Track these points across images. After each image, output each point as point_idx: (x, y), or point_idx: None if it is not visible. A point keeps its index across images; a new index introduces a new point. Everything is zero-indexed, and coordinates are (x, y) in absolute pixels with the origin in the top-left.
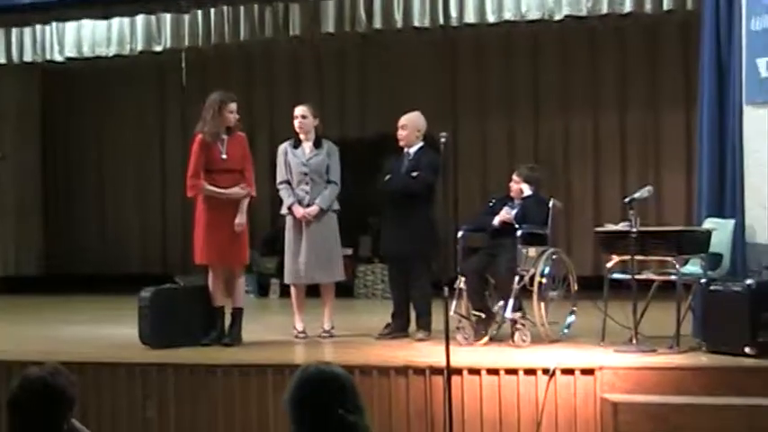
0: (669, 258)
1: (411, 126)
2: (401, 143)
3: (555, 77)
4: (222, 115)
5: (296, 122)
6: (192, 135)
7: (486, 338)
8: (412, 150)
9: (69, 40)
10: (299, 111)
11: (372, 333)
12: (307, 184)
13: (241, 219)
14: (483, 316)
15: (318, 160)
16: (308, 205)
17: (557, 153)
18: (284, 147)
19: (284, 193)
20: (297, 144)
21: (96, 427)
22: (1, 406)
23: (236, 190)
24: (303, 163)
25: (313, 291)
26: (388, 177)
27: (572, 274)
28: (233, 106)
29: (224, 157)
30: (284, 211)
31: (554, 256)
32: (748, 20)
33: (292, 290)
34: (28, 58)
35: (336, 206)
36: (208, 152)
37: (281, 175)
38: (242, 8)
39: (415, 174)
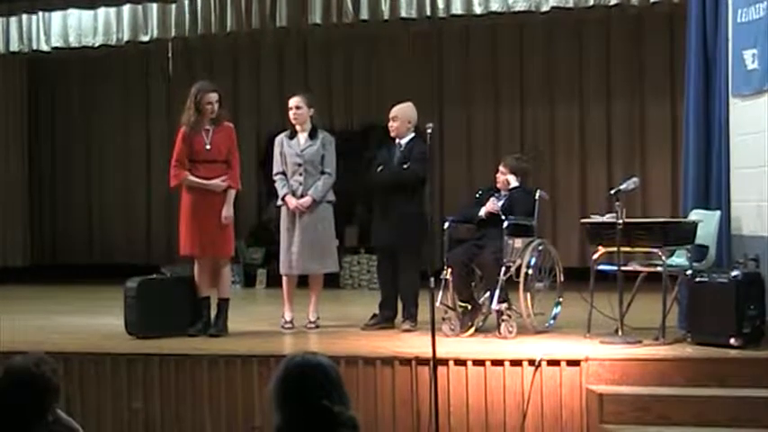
0: (655, 250)
1: (402, 117)
2: (392, 134)
3: (541, 68)
4: (200, 106)
5: (291, 114)
6: (177, 125)
7: (471, 330)
8: (403, 141)
9: (55, 29)
10: (294, 102)
11: (358, 323)
12: (300, 174)
13: (228, 211)
14: (469, 307)
15: (312, 151)
16: (302, 196)
17: (542, 144)
18: (280, 138)
19: (279, 184)
20: (292, 135)
21: (81, 418)
22: None
23: (216, 182)
24: (297, 153)
25: (302, 281)
26: (380, 168)
27: (558, 265)
28: (211, 97)
29: (208, 147)
30: (279, 202)
31: (540, 248)
32: (735, 11)
33: (284, 280)
34: (14, 47)
35: (332, 197)
36: (192, 143)
37: (276, 166)
38: None
39: (406, 165)
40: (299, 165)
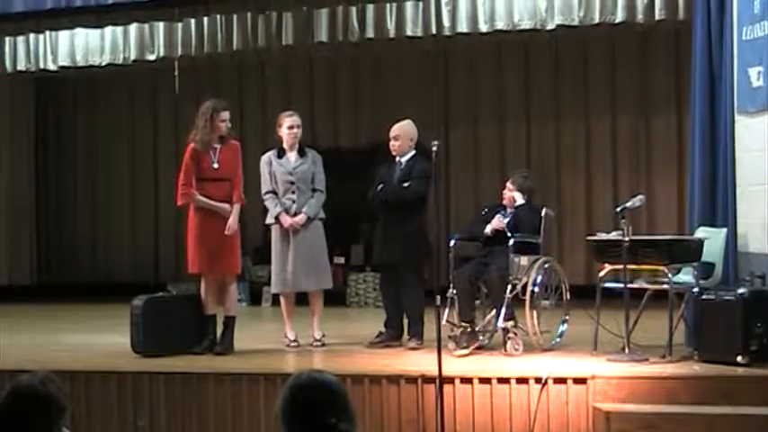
0: (661, 267)
1: (404, 135)
2: (394, 153)
3: (546, 86)
4: (214, 123)
5: (291, 132)
6: (184, 143)
7: (465, 351)
8: (404, 159)
9: (63, 48)
10: (295, 121)
11: (364, 342)
12: (293, 192)
13: (233, 223)
14: (468, 329)
15: (304, 169)
16: (296, 214)
17: (548, 162)
18: (268, 156)
19: (270, 202)
20: (281, 153)
21: None
22: None
23: (225, 206)
24: (289, 172)
25: (304, 299)
26: (380, 187)
27: (564, 282)
28: (225, 114)
29: (215, 166)
30: (270, 220)
31: (546, 265)
32: (740, 29)
33: (281, 299)
34: (21, 66)
35: (322, 214)
36: (199, 161)
37: (266, 185)
38: (235, 17)
39: (406, 184)
40: (292, 183)
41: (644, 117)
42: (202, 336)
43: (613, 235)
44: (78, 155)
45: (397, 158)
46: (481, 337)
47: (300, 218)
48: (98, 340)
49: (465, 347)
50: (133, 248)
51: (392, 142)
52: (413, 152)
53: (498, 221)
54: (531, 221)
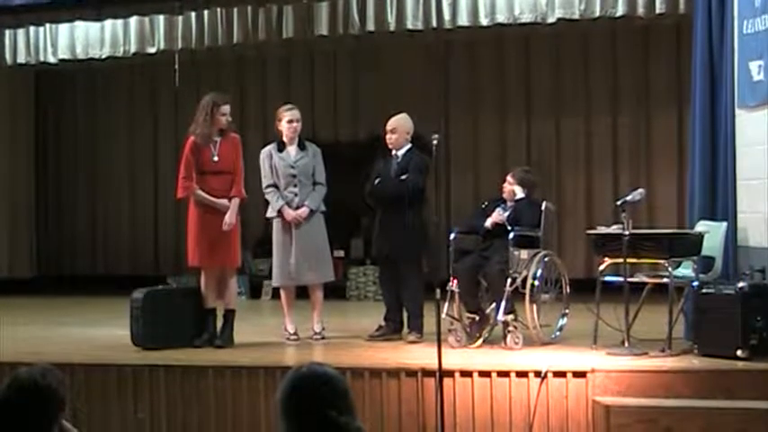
0: (661, 261)
1: (401, 129)
2: (390, 146)
3: (547, 80)
4: (214, 117)
5: (291, 126)
6: (184, 136)
7: (479, 341)
8: (400, 153)
9: (62, 41)
10: (296, 115)
11: (364, 335)
12: (295, 186)
13: (230, 218)
14: (476, 318)
15: (305, 162)
16: (298, 207)
17: (549, 155)
18: (268, 150)
19: (272, 196)
20: (281, 147)
21: (87, 429)
22: None
23: (224, 202)
24: (291, 165)
25: (303, 292)
26: (378, 181)
27: (564, 276)
28: (225, 108)
29: (215, 159)
30: (271, 214)
31: (546, 259)
32: (740, 23)
33: (282, 292)
34: (21, 59)
35: (323, 207)
36: (199, 154)
37: (267, 178)
38: (235, 10)
39: (404, 177)
40: (294, 176)
41: (644, 111)
42: (202, 329)
43: (614, 229)
44: (78, 147)
45: (394, 152)
46: (490, 321)
47: (303, 211)
48: (98, 333)
49: (478, 337)
50: (133, 241)
51: (388, 135)
52: (409, 145)
53: (498, 215)
54: (531, 215)
